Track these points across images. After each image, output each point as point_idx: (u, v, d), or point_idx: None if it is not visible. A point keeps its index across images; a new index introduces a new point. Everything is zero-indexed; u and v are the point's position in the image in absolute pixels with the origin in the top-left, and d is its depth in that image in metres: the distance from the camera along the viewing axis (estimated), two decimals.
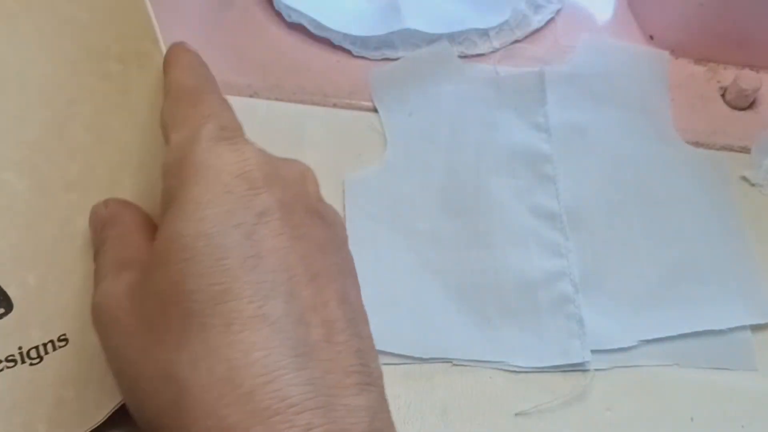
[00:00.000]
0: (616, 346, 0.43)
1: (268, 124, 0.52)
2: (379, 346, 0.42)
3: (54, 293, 0.40)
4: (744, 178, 0.50)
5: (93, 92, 0.46)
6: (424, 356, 0.43)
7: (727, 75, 0.55)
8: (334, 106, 0.53)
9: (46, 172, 0.44)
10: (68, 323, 0.40)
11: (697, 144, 0.51)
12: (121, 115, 0.45)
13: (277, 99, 0.53)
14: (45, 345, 0.38)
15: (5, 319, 0.38)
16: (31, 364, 0.38)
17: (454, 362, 0.43)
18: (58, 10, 0.47)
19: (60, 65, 0.47)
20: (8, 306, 0.39)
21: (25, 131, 0.45)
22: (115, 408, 0.38)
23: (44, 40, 0.47)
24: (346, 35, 0.55)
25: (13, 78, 0.46)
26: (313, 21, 0.55)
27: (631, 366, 0.43)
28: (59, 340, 0.39)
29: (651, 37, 0.57)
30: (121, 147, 0.45)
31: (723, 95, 0.54)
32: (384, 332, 0.43)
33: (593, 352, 0.43)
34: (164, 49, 0.45)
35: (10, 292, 0.39)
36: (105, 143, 0.45)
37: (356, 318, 0.30)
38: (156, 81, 0.46)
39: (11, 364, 0.38)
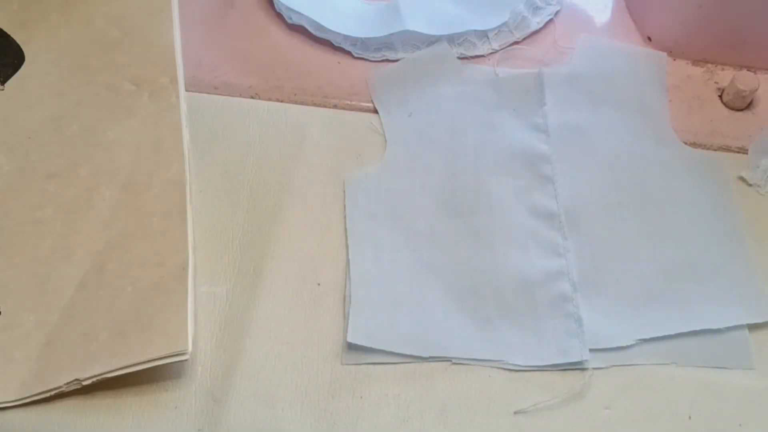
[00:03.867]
0: (614, 345, 0.43)
1: (270, 124, 0.52)
2: (379, 345, 0.43)
3: None
4: (741, 179, 0.50)
5: (99, 100, 0.49)
6: (424, 355, 0.43)
7: (725, 76, 0.55)
8: (335, 107, 0.53)
9: (34, 159, 0.47)
10: (3, 299, 0.42)
11: (694, 144, 0.52)
12: (118, 129, 0.48)
13: (278, 100, 0.53)
14: None
15: None
16: None
17: (454, 361, 0.43)
18: (93, 23, 0.52)
19: (80, 70, 0.50)
20: None
21: (30, 121, 0.48)
22: (30, 398, 0.40)
23: (73, 47, 0.51)
24: (346, 37, 0.55)
25: (36, 74, 0.50)
26: (313, 23, 0.55)
27: (629, 365, 0.43)
28: None
29: (649, 39, 0.57)
30: (110, 157, 0.47)
31: (720, 96, 0.54)
32: (384, 331, 0.44)
33: (591, 350, 0.43)
34: (182, 91, 0.48)
35: None
36: (95, 148, 0.48)
37: None
38: (161, 114, 0.48)
39: None
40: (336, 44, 0.56)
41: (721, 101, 0.54)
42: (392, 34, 0.55)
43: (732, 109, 0.54)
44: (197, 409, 0.41)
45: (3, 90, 0.50)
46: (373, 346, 0.43)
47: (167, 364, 0.40)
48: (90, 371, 0.40)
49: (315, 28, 0.56)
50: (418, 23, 0.55)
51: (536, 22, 0.57)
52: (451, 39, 0.55)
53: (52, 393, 0.40)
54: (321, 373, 0.43)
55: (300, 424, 0.41)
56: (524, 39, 0.57)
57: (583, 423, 0.41)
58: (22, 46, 0.52)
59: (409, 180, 0.49)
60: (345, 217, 0.48)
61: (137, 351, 0.40)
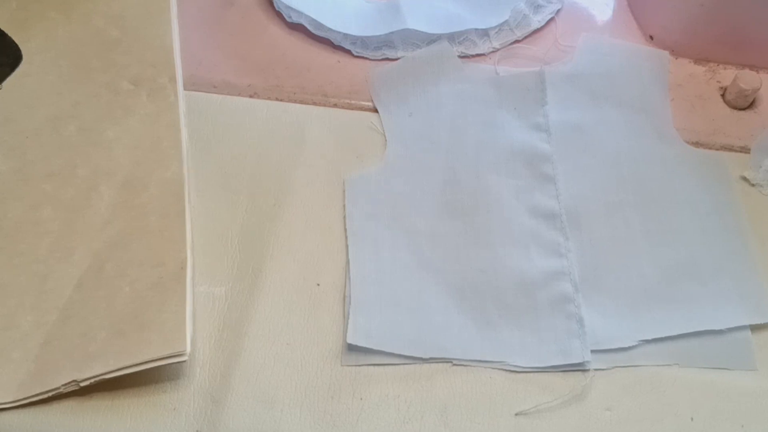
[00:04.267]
0: (616, 346, 0.43)
1: (269, 124, 0.52)
2: (379, 346, 0.43)
3: None
4: (744, 178, 0.50)
5: (98, 100, 0.49)
6: (424, 356, 0.43)
7: (727, 75, 0.55)
8: (334, 106, 0.53)
9: (32, 159, 0.47)
10: (2, 298, 0.42)
11: (696, 144, 0.52)
12: (116, 128, 0.48)
13: (277, 99, 0.53)
14: None
15: None
16: None
17: (454, 362, 0.43)
18: (92, 23, 0.52)
19: (79, 69, 0.50)
20: None
21: (29, 120, 0.48)
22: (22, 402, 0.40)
23: (72, 47, 0.51)
24: (346, 35, 0.55)
25: (35, 73, 0.50)
26: (313, 21, 0.55)
27: (630, 366, 0.43)
28: None
29: (651, 37, 0.57)
30: (108, 156, 0.47)
31: (723, 95, 0.54)
32: (384, 332, 0.43)
33: (593, 351, 0.43)
34: (180, 90, 0.48)
35: None
36: (94, 148, 0.48)
37: None
38: (160, 113, 0.48)
39: None
40: (336, 43, 0.56)
41: (724, 100, 0.54)
42: (392, 33, 0.54)
43: (734, 108, 0.53)
44: (196, 410, 0.41)
45: (1, 89, 0.49)
46: (373, 347, 0.43)
47: (166, 365, 0.40)
48: (88, 371, 0.39)
49: (315, 26, 0.55)
50: (418, 22, 0.54)
51: (537, 20, 0.57)
52: (452, 37, 0.55)
53: (50, 394, 0.40)
54: (321, 374, 0.42)
55: (300, 425, 0.41)
56: (525, 37, 0.56)
57: (585, 424, 0.41)
58: (20, 46, 0.51)
59: (409, 180, 0.49)
60: (345, 217, 0.48)
61: (135, 351, 0.40)
